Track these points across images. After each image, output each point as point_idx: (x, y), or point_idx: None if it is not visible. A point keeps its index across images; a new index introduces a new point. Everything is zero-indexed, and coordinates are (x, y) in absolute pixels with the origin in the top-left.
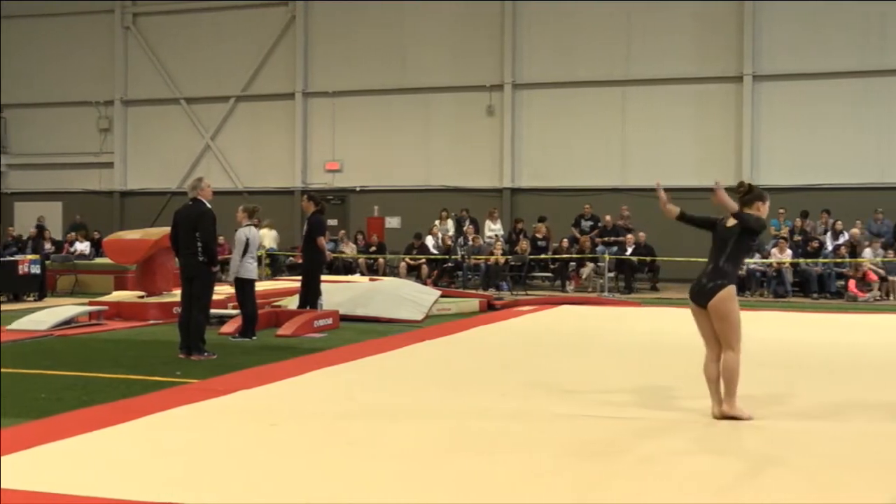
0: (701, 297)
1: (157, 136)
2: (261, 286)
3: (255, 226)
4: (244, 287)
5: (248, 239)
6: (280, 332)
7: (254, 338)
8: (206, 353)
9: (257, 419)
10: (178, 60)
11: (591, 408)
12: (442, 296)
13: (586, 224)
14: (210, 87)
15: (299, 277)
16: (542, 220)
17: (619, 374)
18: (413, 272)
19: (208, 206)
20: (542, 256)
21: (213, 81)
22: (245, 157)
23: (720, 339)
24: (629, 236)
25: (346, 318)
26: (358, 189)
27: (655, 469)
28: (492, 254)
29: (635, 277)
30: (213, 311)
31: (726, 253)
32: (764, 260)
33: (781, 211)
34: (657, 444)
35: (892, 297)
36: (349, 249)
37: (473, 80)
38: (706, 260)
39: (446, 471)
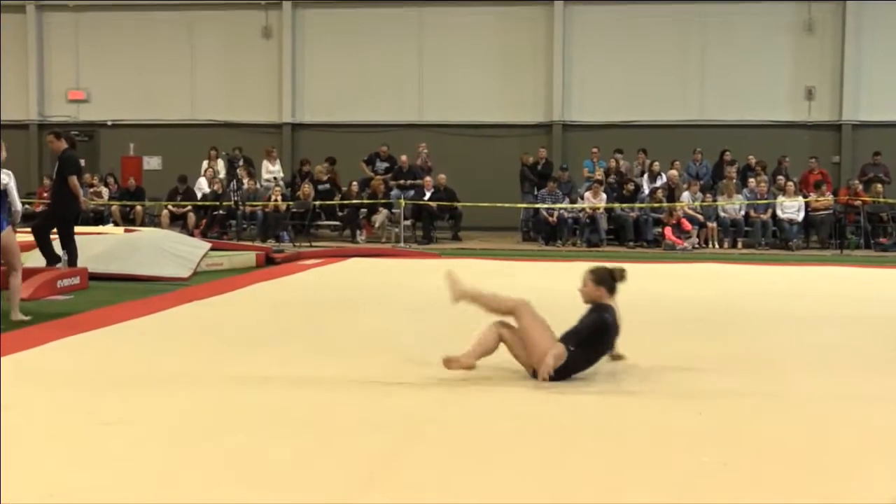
0: None
1: None
2: None
3: None
4: None
5: None
6: None
7: None
8: None
9: None
10: None
11: (386, 373)
12: (212, 249)
13: (381, 165)
14: None
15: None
16: (329, 160)
17: (417, 334)
18: (178, 222)
19: None
20: (329, 203)
21: None
22: None
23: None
24: (427, 179)
25: (96, 277)
26: (109, 123)
27: (456, 440)
28: (270, 199)
29: (435, 225)
30: None
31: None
32: (575, 206)
33: (595, 150)
34: (462, 412)
35: (711, 245)
36: (104, 193)
37: None
38: (502, 203)
39: (218, 451)
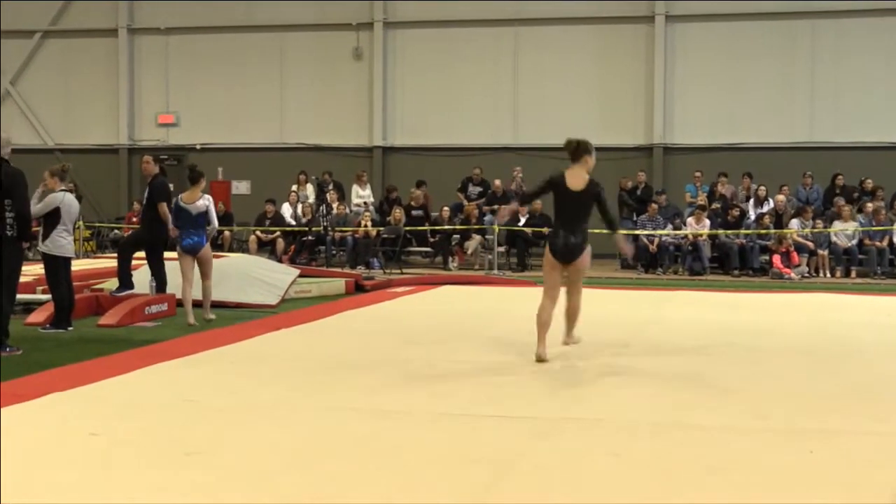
0: (570, 256)
1: None
2: (78, 265)
3: (70, 191)
4: (56, 267)
5: (59, 207)
6: (103, 321)
7: (69, 328)
8: (8, 349)
9: (74, 428)
10: None
11: (477, 406)
12: (301, 275)
13: (474, 190)
14: (8, 17)
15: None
16: (420, 184)
17: (509, 365)
18: (266, 247)
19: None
20: (421, 228)
21: (12, 11)
22: (56, 107)
23: (574, 288)
24: None
25: None
26: (198, 147)
27: (551, 475)
28: (360, 225)
29: (529, 252)
30: (17, 296)
31: (586, 215)
32: (678, 232)
33: (697, 174)
34: (552, 446)
35: (822, 274)
36: None
37: (338, 17)
38: (599, 230)
39: (305, 484)
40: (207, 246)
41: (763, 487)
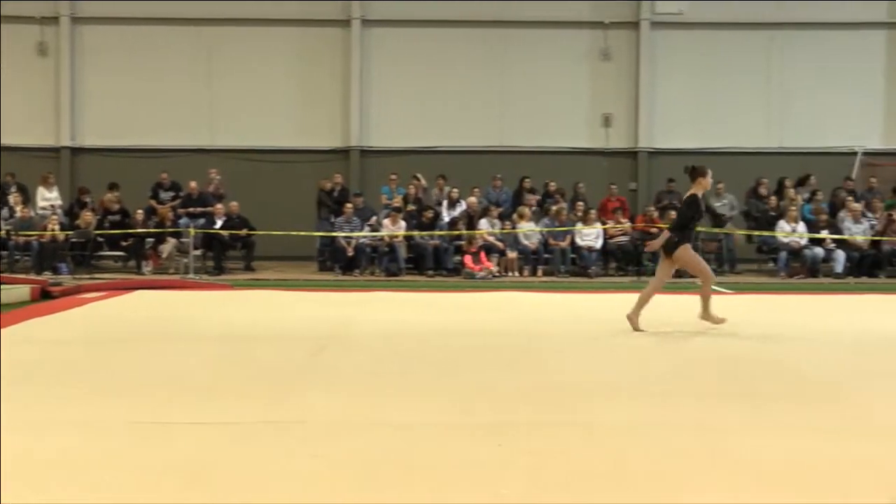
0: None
1: None
2: None
3: None
4: None
5: None
6: None
7: None
8: None
9: None
10: None
11: (169, 413)
12: None
13: (166, 195)
14: None
15: None
16: (112, 187)
17: (206, 371)
18: None
19: None
20: (113, 232)
21: None
22: None
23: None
24: (219, 206)
25: None
26: None
27: (250, 480)
28: (46, 229)
29: (227, 255)
30: None
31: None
32: (375, 233)
33: (393, 177)
34: (251, 451)
35: (511, 273)
36: None
37: (20, 10)
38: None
39: None
40: None
41: (462, 481)
